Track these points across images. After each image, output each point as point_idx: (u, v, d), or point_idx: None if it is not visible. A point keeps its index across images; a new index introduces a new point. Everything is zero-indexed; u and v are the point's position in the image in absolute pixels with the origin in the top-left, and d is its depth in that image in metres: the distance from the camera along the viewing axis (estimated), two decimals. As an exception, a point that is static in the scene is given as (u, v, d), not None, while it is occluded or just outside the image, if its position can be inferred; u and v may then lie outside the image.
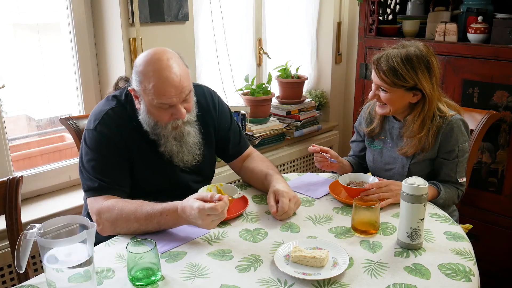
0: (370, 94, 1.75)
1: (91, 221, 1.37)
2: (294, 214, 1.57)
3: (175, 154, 1.59)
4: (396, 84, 1.66)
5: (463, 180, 1.76)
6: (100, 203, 1.47)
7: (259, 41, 2.91)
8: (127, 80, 1.67)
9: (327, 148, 1.85)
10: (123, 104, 1.59)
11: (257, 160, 1.81)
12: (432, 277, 1.23)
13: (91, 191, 1.50)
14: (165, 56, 1.48)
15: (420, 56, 1.65)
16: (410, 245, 1.35)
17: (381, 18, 2.76)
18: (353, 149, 2.04)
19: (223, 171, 2.50)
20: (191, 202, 1.37)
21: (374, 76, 1.71)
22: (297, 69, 2.99)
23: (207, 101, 1.73)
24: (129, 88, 1.55)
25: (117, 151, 1.54)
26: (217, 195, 1.36)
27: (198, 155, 1.64)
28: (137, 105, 1.55)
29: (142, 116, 1.54)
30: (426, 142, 1.71)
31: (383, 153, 1.86)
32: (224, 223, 1.50)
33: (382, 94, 1.71)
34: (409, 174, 1.77)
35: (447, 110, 1.74)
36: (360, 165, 2.01)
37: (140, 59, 1.50)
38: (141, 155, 1.58)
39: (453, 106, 1.78)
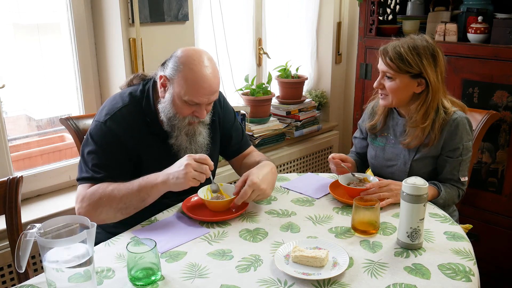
0: (375, 83, 1.75)
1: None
2: (295, 213, 1.57)
3: (183, 149, 1.60)
4: (401, 70, 1.67)
5: (464, 179, 1.76)
6: (86, 188, 1.49)
7: (259, 41, 2.91)
8: (143, 78, 1.67)
9: (345, 157, 1.85)
10: (138, 100, 1.60)
11: (255, 156, 1.83)
12: (432, 277, 1.23)
13: (82, 180, 1.52)
14: (207, 56, 1.54)
15: (427, 45, 1.69)
16: (410, 245, 1.35)
17: (381, 18, 2.76)
18: (356, 145, 2.05)
19: (223, 171, 2.50)
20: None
21: (380, 64, 1.73)
22: (297, 69, 2.99)
23: None
24: (160, 74, 1.55)
25: (122, 150, 1.54)
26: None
27: None
28: (161, 93, 1.56)
29: (164, 105, 1.55)
30: (432, 134, 1.71)
31: (385, 150, 1.86)
32: (224, 223, 1.50)
33: (387, 83, 1.72)
34: (411, 171, 1.77)
35: (450, 106, 1.75)
36: (363, 164, 2.01)
37: (183, 50, 1.53)
38: (151, 151, 1.59)
39: (458, 104, 1.79)
